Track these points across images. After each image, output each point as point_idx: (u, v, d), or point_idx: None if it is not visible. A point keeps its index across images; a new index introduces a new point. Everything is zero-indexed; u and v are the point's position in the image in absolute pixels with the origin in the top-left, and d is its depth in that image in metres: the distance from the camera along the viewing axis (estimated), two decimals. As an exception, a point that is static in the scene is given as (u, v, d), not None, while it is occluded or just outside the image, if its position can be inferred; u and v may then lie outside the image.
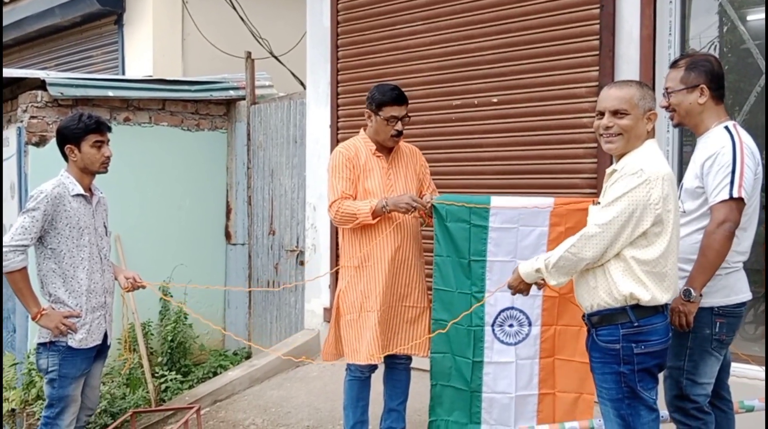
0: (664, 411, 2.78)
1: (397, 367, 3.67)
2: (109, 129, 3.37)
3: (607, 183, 2.53)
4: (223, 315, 6.50)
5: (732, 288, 2.74)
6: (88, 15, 7.93)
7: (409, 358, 3.67)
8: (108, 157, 3.33)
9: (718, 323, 2.71)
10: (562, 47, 4.22)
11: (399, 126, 3.49)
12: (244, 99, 6.41)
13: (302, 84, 6.40)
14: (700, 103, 2.77)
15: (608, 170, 2.57)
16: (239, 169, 6.44)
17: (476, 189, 4.54)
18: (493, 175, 4.54)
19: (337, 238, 5.40)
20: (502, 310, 3.36)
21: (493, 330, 3.35)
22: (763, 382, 3.19)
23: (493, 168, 4.54)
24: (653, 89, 3.12)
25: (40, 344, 3.26)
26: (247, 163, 6.34)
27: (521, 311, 3.34)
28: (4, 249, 3.09)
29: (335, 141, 5.35)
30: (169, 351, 5.54)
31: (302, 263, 5.80)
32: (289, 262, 5.98)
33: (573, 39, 4.18)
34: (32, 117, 5.32)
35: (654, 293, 2.41)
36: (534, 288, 3.22)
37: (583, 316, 2.60)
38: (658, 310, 2.45)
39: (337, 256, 5.42)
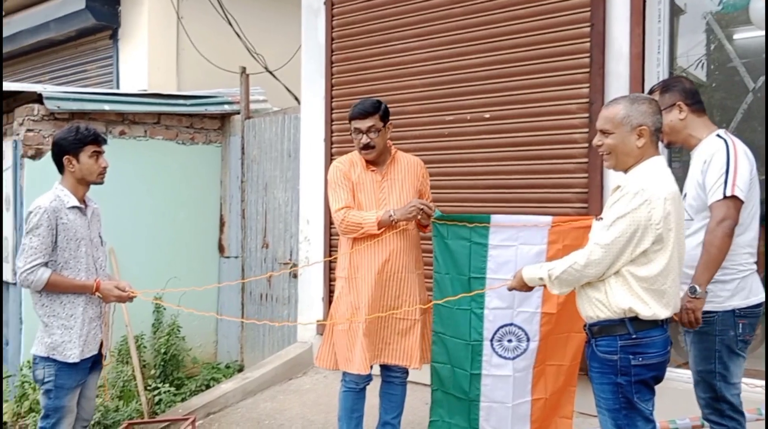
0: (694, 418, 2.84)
1: (393, 381, 3.69)
2: (105, 141, 3.42)
3: (611, 198, 2.57)
4: (216, 327, 6.52)
5: (750, 289, 2.86)
6: (83, 29, 7.98)
7: (405, 372, 3.70)
8: (105, 168, 3.38)
9: (740, 324, 2.84)
10: (553, 64, 4.30)
11: (363, 139, 3.51)
12: (238, 113, 6.47)
13: (296, 99, 6.47)
14: (681, 119, 2.94)
15: (613, 186, 2.63)
16: (233, 183, 6.49)
17: (469, 203, 4.60)
18: (486, 189, 4.60)
19: (330, 250, 5.50)
20: (501, 327, 3.39)
21: (492, 345, 3.39)
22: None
23: (486, 182, 4.61)
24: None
25: (36, 356, 3.28)
26: (241, 177, 6.39)
27: (520, 328, 3.37)
28: (21, 275, 3.15)
29: (329, 155, 5.41)
30: (162, 363, 5.55)
31: (295, 276, 5.83)
32: (282, 275, 6.01)
33: (564, 56, 4.26)
34: (28, 130, 5.34)
35: (654, 309, 2.46)
36: (533, 305, 3.29)
37: (584, 325, 2.66)
38: (657, 323, 2.50)
39: (331, 268, 5.50)
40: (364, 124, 3.51)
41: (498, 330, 3.39)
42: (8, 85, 5.58)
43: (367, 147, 3.53)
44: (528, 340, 3.36)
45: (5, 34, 8.74)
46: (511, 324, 3.38)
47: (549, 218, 3.36)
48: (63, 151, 3.30)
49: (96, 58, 8.20)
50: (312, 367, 5.51)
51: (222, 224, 6.56)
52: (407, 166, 3.72)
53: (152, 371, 5.55)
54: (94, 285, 3.31)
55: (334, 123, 5.41)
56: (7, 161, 5.50)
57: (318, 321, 5.40)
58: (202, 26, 7.70)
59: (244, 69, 6.42)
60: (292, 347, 5.61)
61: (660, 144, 2.67)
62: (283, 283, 6.00)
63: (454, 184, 4.71)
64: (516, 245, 3.35)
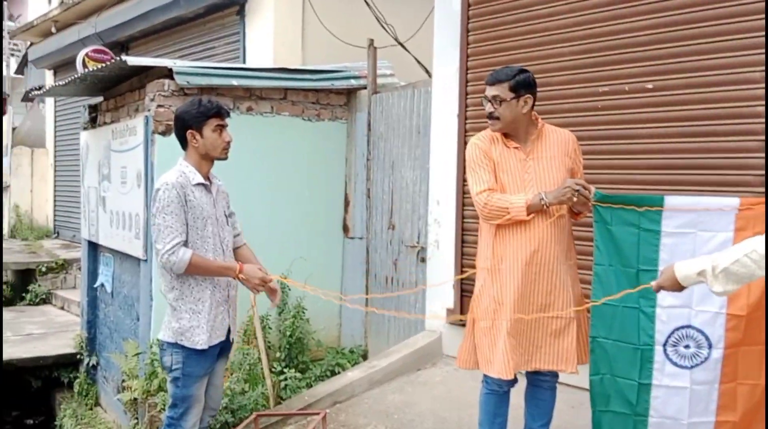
0: None
1: (541, 385, 3.29)
2: (228, 113, 3.20)
3: None
4: (340, 310, 6.31)
5: None
6: (211, 6, 7.96)
7: (554, 375, 3.28)
8: (229, 143, 3.17)
9: None
10: (731, 26, 3.69)
11: (487, 107, 3.17)
12: (365, 88, 6.19)
13: (427, 71, 6.10)
14: None
15: None
16: (359, 161, 6.23)
17: (627, 185, 4.08)
18: (646, 170, 4.06)
19: (463, 234, 5.13)
20: (677, 329, 2.91)
21: (665, 350, 2.92)
22: None
23: (646, 162, 4.06)
24: None
25: (164, 341, 3.13)
26: (367, 155, 6.12)
27: (700, 331, 2.87)
28: (163, 257, 2.99)
29: (463, 131, 5.02)
30: (287, 346, 5.39)
31: (423, 260, 5.51)
32: (409, 259, 5.71)
33: (745, 17, 3.64)
34: (159, 106, 5.29)
35: None
36: (716, 304, 2.77)
37: None
38: None
39: (462, 253, 5.13)
40: (490, 91, 3.16)
41: (673, 333, 2.91)
42: (140, 60, 5.55)
43: (490, 117, 3.17)
44: (710, 346, 2.84)
45: (138, 12, 8.92)
46: (688, 326, 2.89)
47: (737, 200, 2.83)
48: (186, 125, 3.11)
49: (223, 35, 8.18)
50: (441, 358, 5.19)
51: (347, 204, 6.33)
52: (557, 142, 3.26)
53: (277, 354, 5.41)
54: (237, 267, 3.12)
55: (468, 97, 5.00)
56: (138, 137, 5.49)
57: (448, 311, 5.06)
58: (328, 1, 7.46)
59: (371, 41, 6.11)
60: (420, 336, 5.30)
61: None
62: (410, 267, 5.69)
63: (609, 164, 4.19)
64: (695, 232, 2.86)
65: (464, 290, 5.04)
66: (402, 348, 5.20)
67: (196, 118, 3.10)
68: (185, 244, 3.02)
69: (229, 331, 3.24)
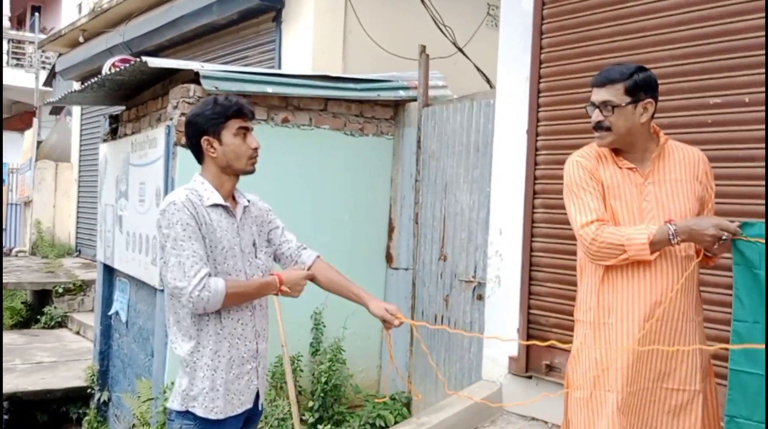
0: None
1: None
2: (253, 114, 2.50)
3: None
4: (380, 349, 5.58)
5: None
6: (246, 11, 7.38)
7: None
8: (256, 149, 2.46)
9: None
10: None
11: (594, 115, 2.52)
12: (415, 100, 5.50)
13: (488, 81, 5.40)
14: None
15: None
16: (406, 182, 5.52)
17: (745, 218, 3.30)
18: (772, 200, 3.29)
19: (531, 270, 4.38)
20: None
21: None
22: None
23: (774, 189, 3.30)
24: None
25: (171, 410, 2.42)
26: (416, 175, 5.41)
27: None
28: (192, 296, 2.27)
29: (533, 149, 4.30)
30: (321, 395, 4.66)
31: (480, 298, 4.77)
32: (463, 296, 4.96)
33: None
34: (183, 114, 4.66)
35: None
36: None
37: None
38: None
39: (530, 292, 4.38)
40: (598, 95, 2.48)
41: None
42: (163, 62, 4.93)
43: (598, 127, 2.49)
44: None
45: (167, 20, 8.39)
46: None
47: None
48: (200, 131, 2.42)
49: (257, 43, 7.60)
50: (501, 415, 4.42)
51: (391, 230, 5.62)
52: (683, 162, 2.56)
53: (310, 402, 4.68)
54: (276, 278, 2.49)
55: (541, 110, 4.28)
56: (159, 150, 4.86)
57: (511, 360, 4.31)
58: (372, 6, 6.84)
59: (423, 48, 5.43)
60: (477, 387, 4.53)
61: None
62: (464, 305, 4.95)
63: (723, 191, 3.41)
64: None
65: (531, 335, 4.29)
66: (455, 401, 4.43)
67: (213, 121, 2.40)
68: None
69: (257, 396, 2.53)
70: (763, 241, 2.30)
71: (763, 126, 3.32)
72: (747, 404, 2.36)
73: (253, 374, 2.50)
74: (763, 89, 3.32)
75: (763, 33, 3.31)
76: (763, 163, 3.33)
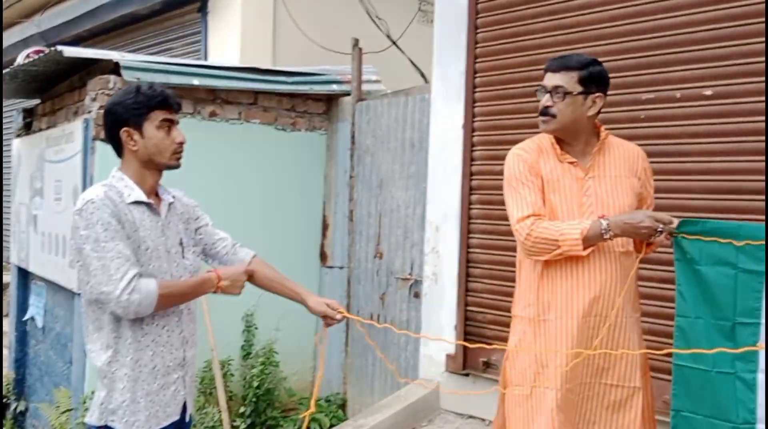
0: None
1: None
2: (179, 106, 2.33)
3: None
4: (314, 353, 5.44)
5: None
6: (170, 1, 7.10)
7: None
8: (181, 144, 2.28)
9: None
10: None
11: (544, 100, 2.48)
12: (348, 95, 5.38)
13: (423, 76, 5.33)
14: None
15: None
16: (340, 178, 5.40)
17: (678, 212, 3.32)
18: (703, 195, 3.33)
19: (468, 266, 4.34)
20: None
21: None
22: None
23: (704, 184, 3.34)
24: None
25: (90, 426, 2.23)
26: (350, 171, 5.29)
27: None
28: (120, 300, 2.08)
29: (470, 145, 4.26)
30: (254, 399, 4.48)
31: (417, 295, 4.70)
32: (399, 294, 4.88)
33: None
34: (102, 107, 4.39)
35: None
36: None
37: None
38: None
39: (467, 289, 4.34)
40: (551, 80, 2.45)
41: None
42: (82, 51, 4.64)
43: (544, 112, 2.45)
44: None
45: (86, 8, 7.99)
46: None
47: None
48: (119, 122, 2.22)
49: (182, 34, 7.31)
50: (439, 414, 4.36)
51: (325, 228, 5.49)
52: (623, 158, 2.55)
53: (241, 408, 4.50)
54: (214, 275, 2.31)
55: (477, 105, 4.24)
56: (76, 145, 4.57)
57: (448, 358, 4.25)
58: (303, -1, 6.68)
59: (356, 42, 5.31)
60: (414, 387, 4.46)
61: None
62: (400, 303, 4.86)
63: (656, 186, 3.43)
64: None
65: (468, 333, 4.25)
66: (393, 402, 4.35)
67: (134, 111, 2.21)
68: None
69: (185, 407, 2.36)
70: (705, 238, 2.31)
71: (694, 122, 3.36)
72: (691, 398, 2.38)
73: (179, 384, 2.33)
74: (694, 85, 3.35)
75: (695, 29, 3.34)
76: (684, 159, 3.37)
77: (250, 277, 2.48)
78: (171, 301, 2.20)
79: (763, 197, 3.12)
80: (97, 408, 2.20)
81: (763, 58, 3.14)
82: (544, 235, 2.37)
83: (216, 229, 2.55)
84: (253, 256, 2.56)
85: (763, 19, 3.13)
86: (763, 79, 3.14)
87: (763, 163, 3.14)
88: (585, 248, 2.35)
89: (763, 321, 2.26)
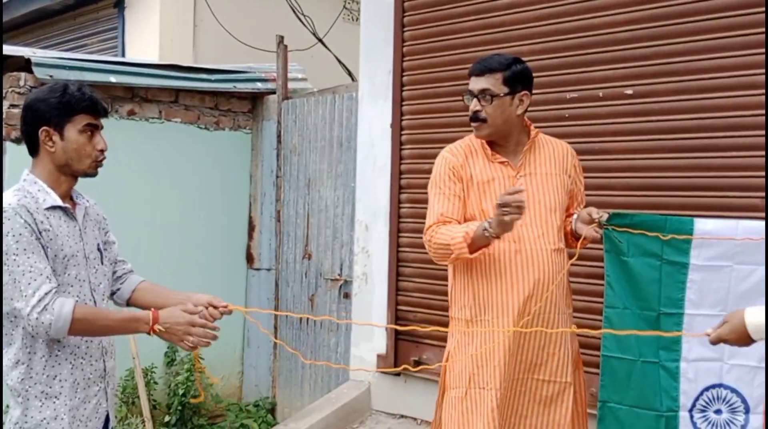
0: None
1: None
2: (106, 111, 2.21)
3: None
4: (242, 354, 5.32)
5: None
6: (84, -5, 6.81)
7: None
8: (102, 151, 2.17)
9: None
10: (735, 20, 3.12)
11: (473, 105, 2.47)
12: (273, 93, 5.28)
13: (350, 74, 5.28)
14: None
15: None
16: (266, 178, 5.29)
17: (598, 208, 3.42)
18: (624, 191, 3.42)
19: (398, 266, 4.32)
20: (706, 389, 2.35)
21: (692, 417, 2.36)
22: None
23: (625, 181, 3.43)
24: None
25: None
26: (277, 171, 5.19)
27: (734, 391, 2.32)
28: (30, 317, 1.95)
29: (398, 144, 4.24)
30: (179, 408, 4.33)
31: (347, 296, 4.65)
32: (329, 294, 4.82)
33: (746, 9, 3.09)
34: (12, 105, 4.17)
35: None
36: (755, 357, 2.24)
37: None
38: None
39: (398, 288, 4.32)
40: (477, 84, 2.46)
41: (701, 394, 2.36)
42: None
43: (474, 118, 2.46)
44: (747, 411, 2.31)
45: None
46: (719, 385, 2.35)
47: None
48: (40, 120, 2.09)
49: (97, 30, 7.03)
50: (371, 415, 4.33)
51: (251, 229, 5.37)
52: (553, 155, 2.60)
53: (166, 417, 4.34)
54: (150, 315, 2.10)
55: (405, 103, 4.23)
56: (-17, 144, 4.30)
57: (379, 358, 4.22)
58: (224, -6, 6.52)
59: (281, 39, 5.22)
60: (345, 388, 4.41)
61: None
62: (330, 304, 4.81)
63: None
64: (731, 266, 2.33)
65: (399, 332, 4.23)
66: (324, 404, 4.30)
67: (58, 111, 2.08)
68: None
69: (107, 420, 2.24)
70: (633, 230, 2.37)
71: (616, 120, 3.45)
72: (617, 389, 2.45)
73: (101, 396, 2.21)
74: (616, 84, 3.44)
75: (617, 29, 3.43)
76: (606, 156, 3.46)
77: (145, 306, 2.27)
78: (90, 328, 2.06)
79: (668, 193, 3.24)
80: (12, 427, 2.06)
81: (682, 58, 3.24)
82: (439, 241, 2.42)
83: (119, 250, 2.42)
84: (141, 281, 2.40)
85: (683, 20, 3.24)
86: (682, 78, 3.25)
87: (677, 160, 3.26)
88: (472, 252, 2.34)
89: (685, 311, 2.34)
